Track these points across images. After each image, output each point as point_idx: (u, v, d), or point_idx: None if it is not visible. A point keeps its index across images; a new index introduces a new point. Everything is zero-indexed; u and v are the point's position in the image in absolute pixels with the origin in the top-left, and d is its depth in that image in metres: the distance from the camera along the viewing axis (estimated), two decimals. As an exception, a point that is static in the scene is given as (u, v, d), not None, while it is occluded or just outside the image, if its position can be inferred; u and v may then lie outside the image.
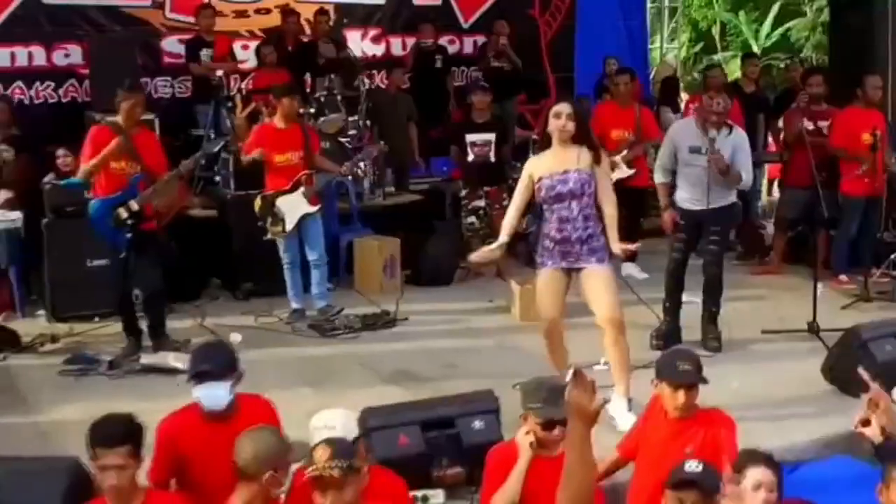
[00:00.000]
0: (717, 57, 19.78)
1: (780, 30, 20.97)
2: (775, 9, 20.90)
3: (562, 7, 11.86)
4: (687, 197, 6.37)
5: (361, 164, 8.25)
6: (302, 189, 6.86)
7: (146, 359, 6.22)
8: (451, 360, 6.28)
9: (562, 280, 5.23)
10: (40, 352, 6.65)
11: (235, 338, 6.54)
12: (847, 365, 5.60)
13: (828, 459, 4.76)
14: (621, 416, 4.97)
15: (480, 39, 10.93)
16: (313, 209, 6.95)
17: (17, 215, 6.87)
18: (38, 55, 9.41)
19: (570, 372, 2.59)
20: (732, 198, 6.40)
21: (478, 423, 4.44)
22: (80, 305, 7.20)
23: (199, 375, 3.81)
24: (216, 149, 7.50)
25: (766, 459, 3.49)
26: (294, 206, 6.87)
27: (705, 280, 6.53)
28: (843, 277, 7.97)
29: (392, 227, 8.48)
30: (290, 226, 6.89)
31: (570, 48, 11.81)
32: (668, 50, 14.29)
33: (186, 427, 3.88)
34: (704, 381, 4.00)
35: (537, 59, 11.55)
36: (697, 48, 21.63)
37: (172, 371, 6.02)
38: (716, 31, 21.85)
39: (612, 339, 5.14)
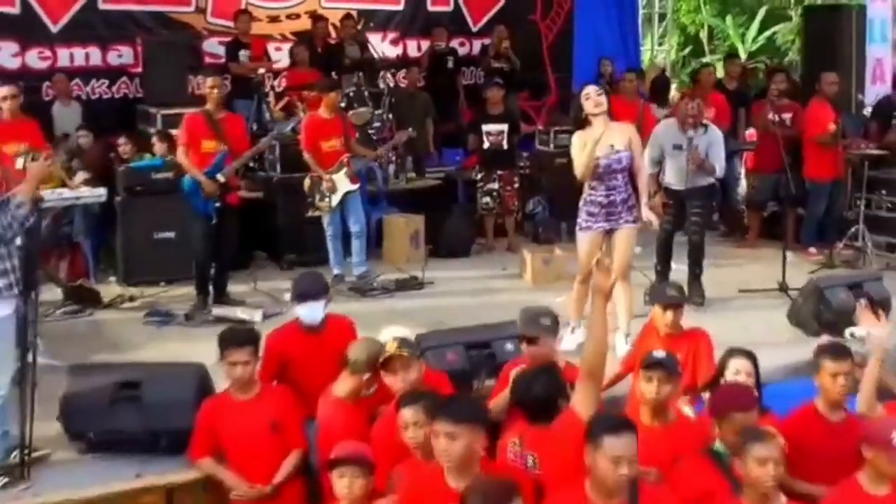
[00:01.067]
0: (706, 60, 20.64)
1: (766, 34, 21.69)
2: (761, 13, 21.62)
3: (561, 12, 12.86)
4: (672, 181, 7.54)
5: (393, 150, 9.36)
6: (345, 169, 7.95)
7: (217, 311, 7.28)
8: (475, 312, 7.28)
9: (601, 241, 6.39)
10: (120, 308, 7.70)
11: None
12: (808, 310, 6.77)
13: (791, 380, 5.91)
14: (620, 346, 6.10)
15: (488, 42, 11.90)
16: (354, 187, 8.04)
17: (102, 191, 7.89)
18: (94, 55, 10.45)
19: (595, 261, 3.71)
20: (710, 179, 7.57)
21: (509, 345, 5.51)
22: (148, 272, 8.20)
23: (301, 296, 4.93)
24: (287, 129, 8.54)
25: (744, 353, 4.62)
26: (338, 185, 7.95)
27: (689, 247, 7.67)
28: (812, 250, 9.07)
29: (414, 207, 9.54)
30: (335, 202, 7.95)
31: (569, 50, 12.79)
32: (657, 53, 15.35)
33: (288, 338, 5.00)
34: (686, 301, 5.13)
35: (539, 60, 12.58)
36: (686, 52, 22.25)
37: (240, 321, 7.08)
38: (703, 35, 22.58)
39: (622, 288, 6.28)
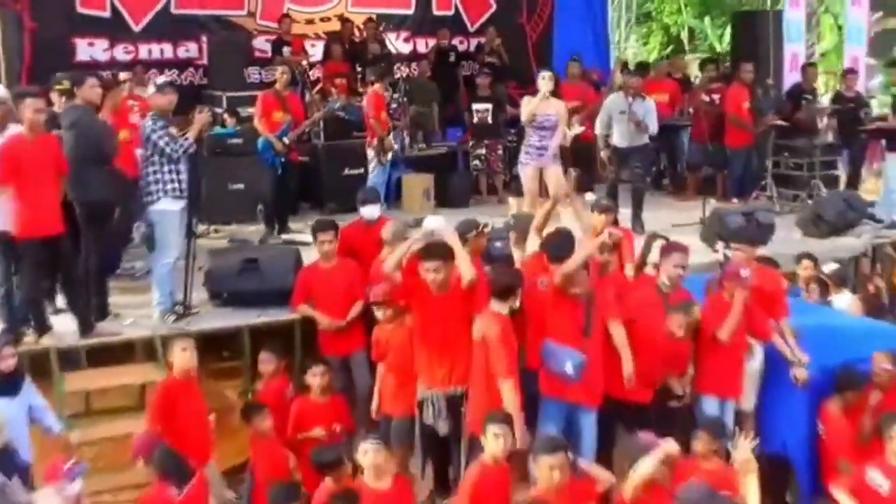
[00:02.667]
0: (688, 56, 22.58)
1: (741, 34, 23.95)
2: (739, 16, 23.87)
3: (543, 15, 15.32)
4: (618, 140, 10.20)
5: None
6: (393, 133, 10.57)
7: (285, 236, 9.87)
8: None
9: (538, 174, 9.17)
10: (208, 237, 10.17)
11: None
12: (712, 231, 9.38)
13: (695, 275, 8.50)
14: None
15: (483, 40, 14.37)
16: (397, 147, 10.72)
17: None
18: (167, 50, 12.93)
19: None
20: (646, 140, 10.28)
21: (497, 244, 8.05)
22: (223, 214, 10.62)
23: (364, 201, 7.52)
24: (337, 105, 11.11)
25: (660, 236, 7.21)
26: (392, 145, 10.61)
27: (632, 193, 10.35)
28: (734, 200, 11.62)
29: (425, 169, 12.04)
30: (389, 157, 10.59)
31: (549, 48, 15.24)
32: (639, 52, 17.58)
33: (355, 229, 7.59)
34: (616, 210, 7.76)
35: (525, 56, 14.98)
36: (668, 51, 23.16)
37: (303, 243, 9.63)
38: (685, 35, 23.81)
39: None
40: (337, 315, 7.16)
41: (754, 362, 6.62)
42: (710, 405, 6.38)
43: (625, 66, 15.36)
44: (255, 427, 6.42)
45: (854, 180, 12.04)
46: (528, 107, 9.27)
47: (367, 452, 5.50)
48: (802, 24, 13.35)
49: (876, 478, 5.72)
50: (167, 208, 7.33)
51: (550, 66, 14.99)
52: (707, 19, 23.42)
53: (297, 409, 6.75)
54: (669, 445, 5.34)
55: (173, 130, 7.40)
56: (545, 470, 5.16)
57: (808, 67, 12.44)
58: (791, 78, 13.14)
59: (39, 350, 6.84)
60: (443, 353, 6.15)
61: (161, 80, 7.79)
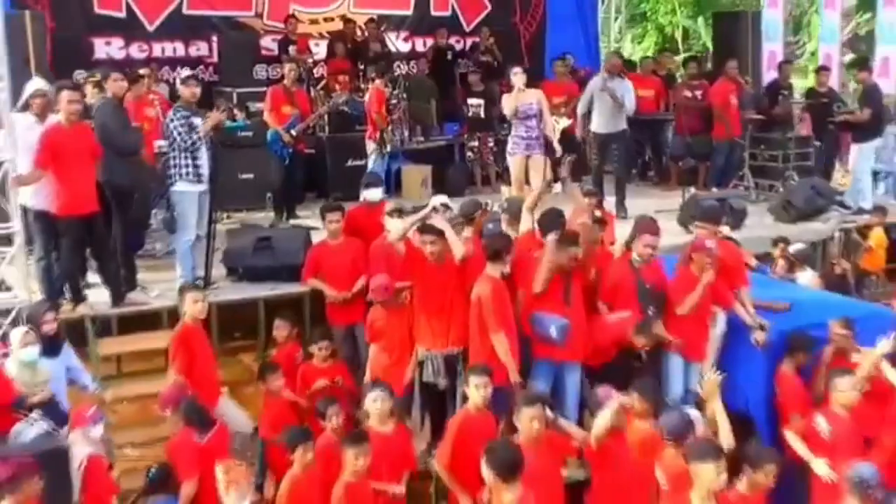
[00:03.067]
0: (679, 58, 23.31)
1: (734, 34, 24.47)
2: (732, 17, 24.33)
3: (536, 16, 16.14)
4: (598, 123, 10.94)
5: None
6: (391, 126, 11.33)
7: (293, 221, 10.60)
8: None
9: (524, 163, 9.88)
10: (222, 223, 10.90)
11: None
12: (687, 214, 10.10)
13: (671, 254, 9.24)
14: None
15: (478, 39, 15.08)
16: (396, 138, 11.46)
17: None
18: (179, 48, 13.72)
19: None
20: (624, 126, 11.01)
21: (491, 226, 8.76)
22: (234, 201, 11.26)
23: (368, 184, 8.26)
24: (341, 100, 11.85)
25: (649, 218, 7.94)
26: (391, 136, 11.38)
27: (616, 182, 11.09)
28: (714, 189, 12.39)
29: (424, 161, 12.75)
30: (389, 147, 11.35)
31: (541, 47, 16.04)
32: (634, 51, 18.18)
33: (359, 213, 8.30)
34: (601, 194, 8.49)
35: (518, 54, 15.61)
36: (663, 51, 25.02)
37: (309, 228, 10.37)
38: (679, 35, 24.61)
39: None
40: (343, 288, 7.88)
41: (717, 328, 7.35)
42: (675, 363, 7.11)
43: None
44: (269, 385, 7.13)
45: (827, 171, 12.77)
46: (508, 102, 9.99)
47: (377, 400, 6.24)
48: (780, 24, 14.09)
49: (821, 423, 6.44)
50: (185, 189, 8.11)
51: (542, 64, 15.97)
52: (700, 19, 24.06)
53: (303, 371, 7.45)
54: (624, 397, 6.05)
55: (196, 121, 8.10)
56: (526, 421, 5.75)
57: (784, 65, 13.19)
58: (770, 76, 13.87)
59: (76, 318, 7.60)
60: (440, 317, 6.90)
61: (185, 73, 8.49)
